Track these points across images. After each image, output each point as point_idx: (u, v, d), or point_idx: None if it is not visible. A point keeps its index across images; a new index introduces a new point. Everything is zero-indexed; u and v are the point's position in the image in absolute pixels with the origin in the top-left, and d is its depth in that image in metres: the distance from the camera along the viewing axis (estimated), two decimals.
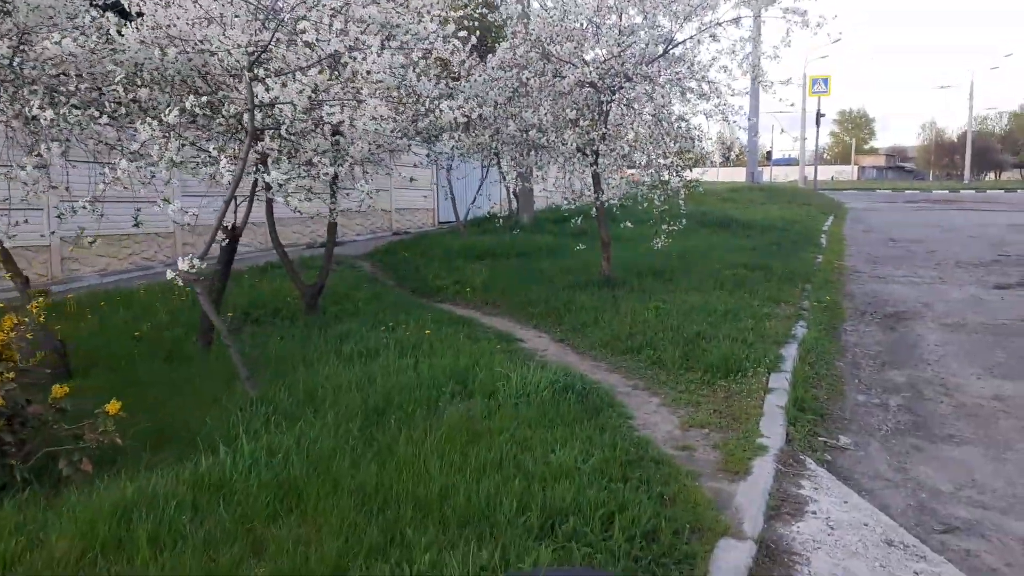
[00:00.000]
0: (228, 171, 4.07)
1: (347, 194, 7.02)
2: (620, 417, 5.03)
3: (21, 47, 4.60)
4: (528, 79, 8.67)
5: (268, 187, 6.13)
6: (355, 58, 4.16)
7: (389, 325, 7.41)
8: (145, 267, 12.12)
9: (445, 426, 4.38)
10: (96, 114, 4.37)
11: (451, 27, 5.40)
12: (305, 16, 4.10)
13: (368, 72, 4.11)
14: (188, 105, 4.19)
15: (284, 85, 3.98)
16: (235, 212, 6.93)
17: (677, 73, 8.95)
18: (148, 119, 4.18)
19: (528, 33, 8.91)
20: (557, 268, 11.27)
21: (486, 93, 9.05)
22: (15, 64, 4.52)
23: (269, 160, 6.21)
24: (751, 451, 4.54)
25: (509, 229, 14.67)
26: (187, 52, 4.30)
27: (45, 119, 4.11)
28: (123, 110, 4.58)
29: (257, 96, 4.03)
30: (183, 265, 4.17)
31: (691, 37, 9.00)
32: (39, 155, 5.05)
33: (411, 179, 6.44)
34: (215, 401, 4.93)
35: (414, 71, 4.51)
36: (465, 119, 8.12)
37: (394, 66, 4.18)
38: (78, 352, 6.26)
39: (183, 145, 4.57)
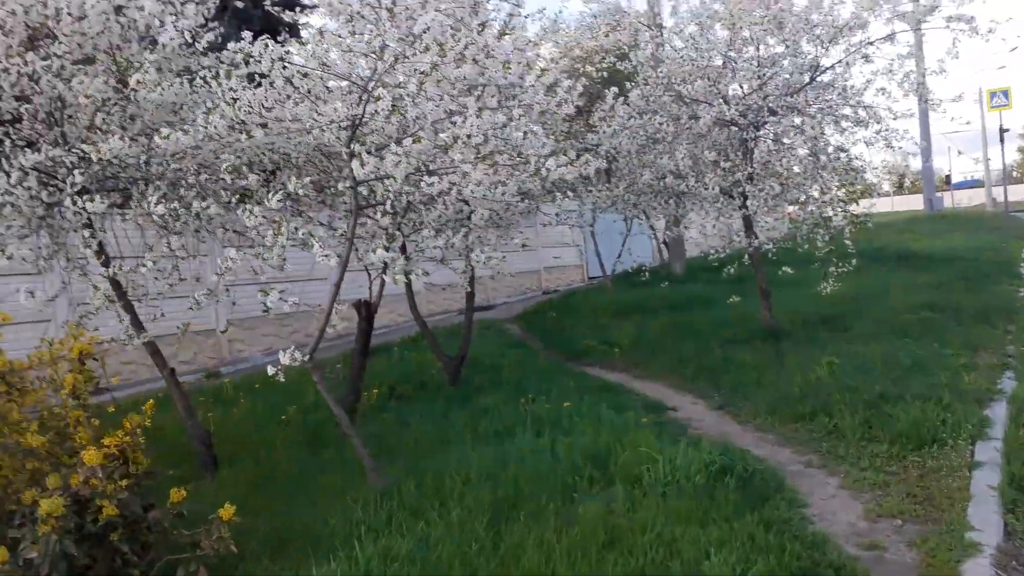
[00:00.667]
0: (323, 256, 3.93)
1: (483, 261, 6.76)
2: (790, 506, 4.28)
3: (150, 148, 4.71)
4: (661, 123, 8.16)
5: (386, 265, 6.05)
6: (454, 123, 3.89)
7: (530, 397, 6.99)
8: (306, 344, 12.53)
9: (579, 525, 3.85)
10: (205, 205, 4.37)
11: (567, 82, 5.06)
12: (400, 84, 3.89)
13: (468, 136, 3.82)
14: (292, 188, 4.08)
15: (381, 158, 3.77)
16: (370, 287, 6.90)
17: (828, 101, 8.12)
18: (248, 206, 4.11)
19: (659, 77, 8.45)
20: (712, 321, 10.45)
21: (619, 143, 8.66)
22: (141, 162, 4.63)
23: (376, 238, 6.11)
24: (959, 550, 3.65)
25: (659, 281, 13.98)
26: (284, 132, 4.21)
27: (158, 214, 4.14)
28: (235, 198, 4.57)
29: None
30: (285, 360, 4.00)
31: (840, 61, 8.15)
32: (170, 247, 5.18)
33: (523, 245, 6.14)
34: (342, 495, 4.68)
35: (519, 129, 4.18)
36: (581, 176, 7.75)
37: (495, 126, 3.87)
38: (226, 440, 6.33)
39: (297, 229, 4.46)
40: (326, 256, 4.26)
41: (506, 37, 7.42)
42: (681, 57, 8.19)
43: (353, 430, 4.89)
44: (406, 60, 4.11)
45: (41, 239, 4.91)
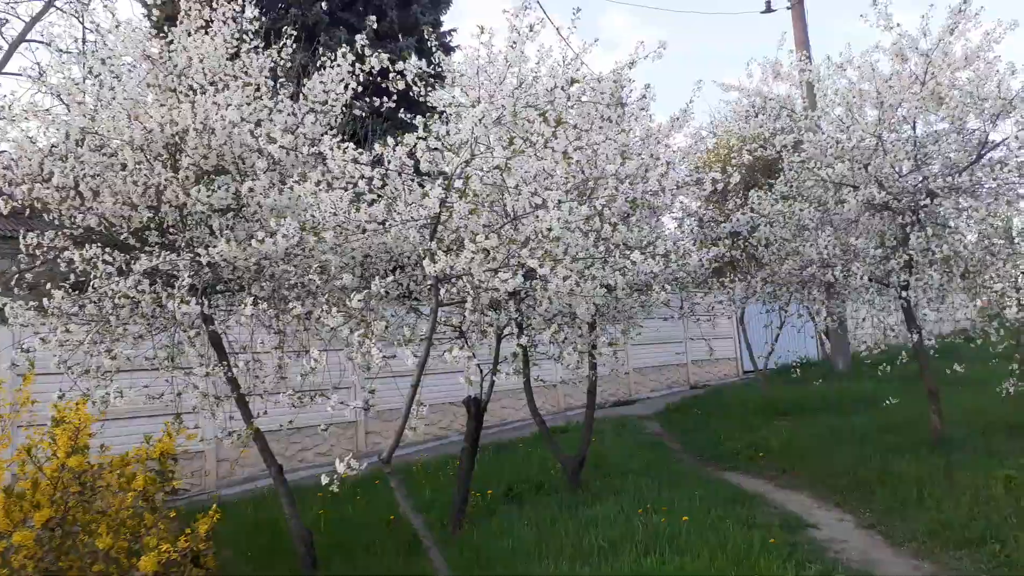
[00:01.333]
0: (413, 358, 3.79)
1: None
2: None
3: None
4: (802, 210, 7.55)
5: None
6: (538, 216, 3.69)
7: (648, 507, 6.40)
8: (440, 437, 12.52)
9: None
10: (302, 305, 4.40)
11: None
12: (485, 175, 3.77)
13: (549, 230, 3.59)
14: (375, 288, 4.00)
15: (457, 255, 3.61)
16: (481, 384, 6.71)
17: (1002, 180, 7.20)
18: (327, 306, 4.07)
19: (803, 162, 7.91)
20: (874, 425, 9.32)
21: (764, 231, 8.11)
22: (250, 265, 4.78)
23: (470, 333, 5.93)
24: None
25: (820, 377, 12.83)
26: (356, 233, 4.17)
27: (246, 315, 4.20)
28: (323, 298, 4.58)
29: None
30: (341, 468, 3.81)
31: (1014, 136, 7.23)
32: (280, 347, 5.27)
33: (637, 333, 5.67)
34: None
35: (604, 221, 3.92)
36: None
37: (576, 218, 3.62)
38: (332, 540, 6.25)
39: (387, 327, 4.38)
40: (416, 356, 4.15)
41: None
42: (825, 139, 7.60)
43: (434, 542, 4.59)
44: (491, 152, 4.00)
45: (155, 340, 5.15)
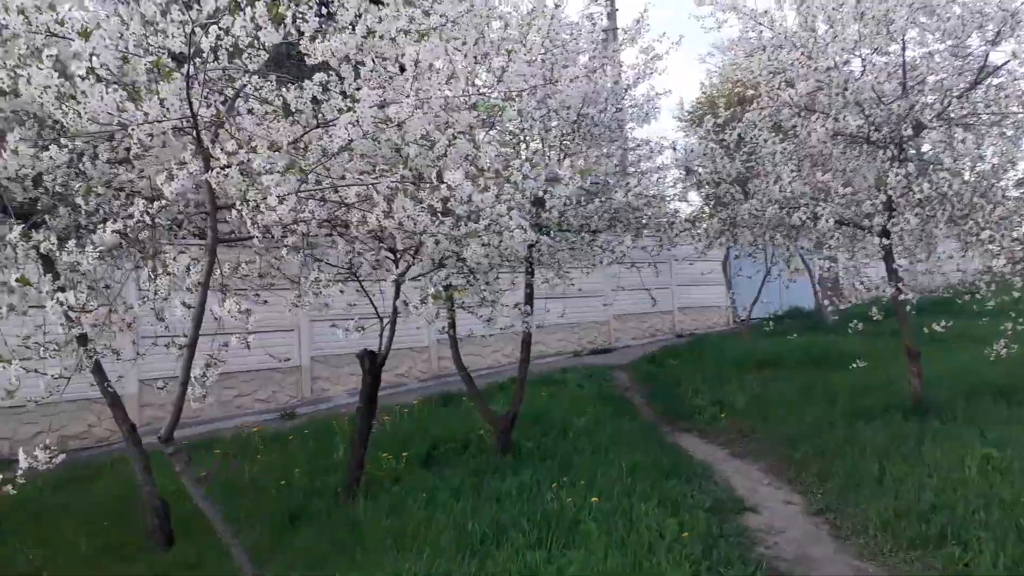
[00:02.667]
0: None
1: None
2: None
3: None
4: (766, 140, 6.53)
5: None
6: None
7: (565, 479, 5.62)
8: (398, 384, 11.81)
9: None
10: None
11: None
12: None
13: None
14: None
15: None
16: (380, 336, 5.87)
17: (997, 109, 6.14)
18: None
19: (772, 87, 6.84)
20: (849, 384, 8.44)
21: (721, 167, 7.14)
22: None
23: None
24: None
25: (803, 330, 11.94)
26: None
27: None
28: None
29: None
30: (24, 464, 2.94)
31: (1018, 59, 6.13)
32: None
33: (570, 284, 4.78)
34: None
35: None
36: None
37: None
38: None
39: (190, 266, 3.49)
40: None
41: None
42: (797, 57, 6.52)
43: (227, 528, 3.78)
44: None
45: None
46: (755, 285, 14.43)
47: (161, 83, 2.64)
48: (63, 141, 3.02)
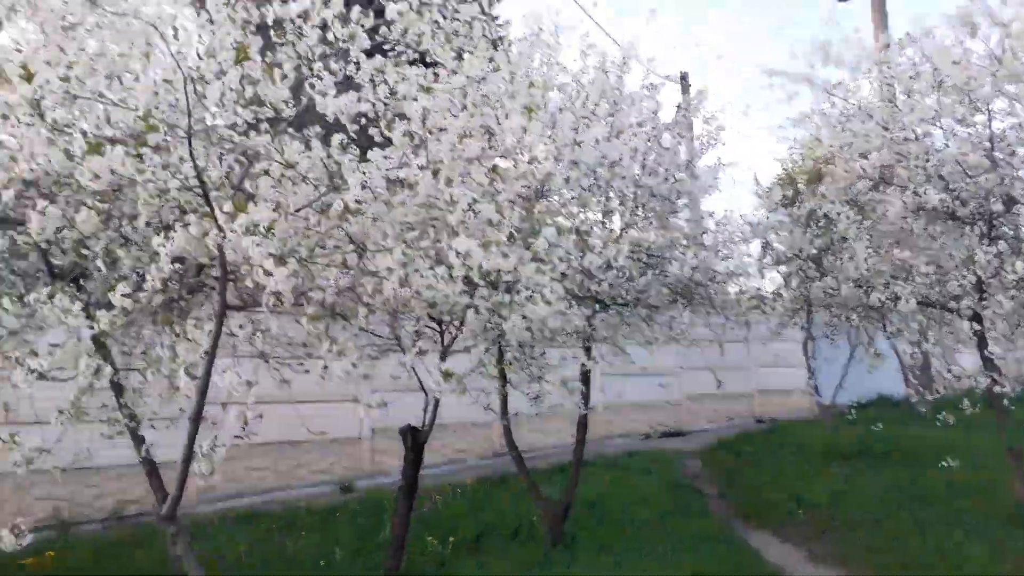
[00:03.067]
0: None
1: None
2: None
3: None
4: (839, 213, 6.15)
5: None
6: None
7: None
8: (457, 461, 11.54)
9: None
10: None
11: None
12: None
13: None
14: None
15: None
16: (425, 410, 5.66)
17: None
18: None
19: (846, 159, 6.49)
20: (945, 484, 7.67)
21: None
22: None
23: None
24: None
25: (893, 419, 11.11)
26: None
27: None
28: None
29: None
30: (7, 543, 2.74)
31: None
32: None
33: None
34: None
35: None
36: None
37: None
38: None
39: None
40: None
41: None
42: (871, 128, 6.19)
43: None
44: None
45: None
46: (838, 368, 13.62)
47: (171, 141, 2.60)
48: (90, 203, 3.01)
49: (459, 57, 3.17)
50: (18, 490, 7.42)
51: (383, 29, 3.41)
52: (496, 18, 17.58)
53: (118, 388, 3.81)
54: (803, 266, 6.83)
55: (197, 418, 3.02)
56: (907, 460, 9.39)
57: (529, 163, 3.57)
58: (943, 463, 6.99)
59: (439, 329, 5.04)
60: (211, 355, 2.90)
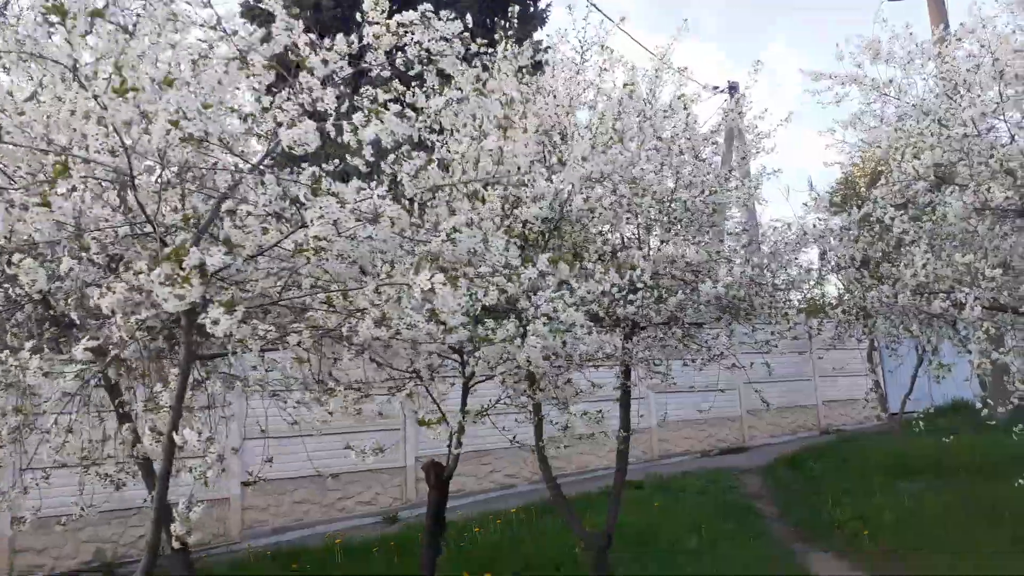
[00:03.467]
0: None
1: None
2: None
3: None
4: (892, 218, 5.65)
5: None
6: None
7: None
8: (506, 486, 11.21)
9: None
10: None
11: None
12: None
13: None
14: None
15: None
16: (450, 446, 5.38)
17: None
18: None
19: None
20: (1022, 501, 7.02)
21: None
22: None
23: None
24: None
25: (973, 427, 10.36)
26: None
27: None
28: None
29: None
30: None
31: None
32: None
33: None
34: None
35: None
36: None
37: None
38: None
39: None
40: None
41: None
42: (926, 126, 5.69)
43: None
44: None
45: None
46: (905, 376, 12.86)
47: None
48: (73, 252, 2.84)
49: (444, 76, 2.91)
50: (65, 532, 7.42)
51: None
52: (540, 42, 17.38)
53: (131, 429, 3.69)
54: (856, 275, 6.35)
55: (165, 477, 2.78)
56: (981, 474, 8.69)
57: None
58: (1020, 480, 6.37)
59: (461, 360, 4.79)
60: (176, 410, 2.68)
